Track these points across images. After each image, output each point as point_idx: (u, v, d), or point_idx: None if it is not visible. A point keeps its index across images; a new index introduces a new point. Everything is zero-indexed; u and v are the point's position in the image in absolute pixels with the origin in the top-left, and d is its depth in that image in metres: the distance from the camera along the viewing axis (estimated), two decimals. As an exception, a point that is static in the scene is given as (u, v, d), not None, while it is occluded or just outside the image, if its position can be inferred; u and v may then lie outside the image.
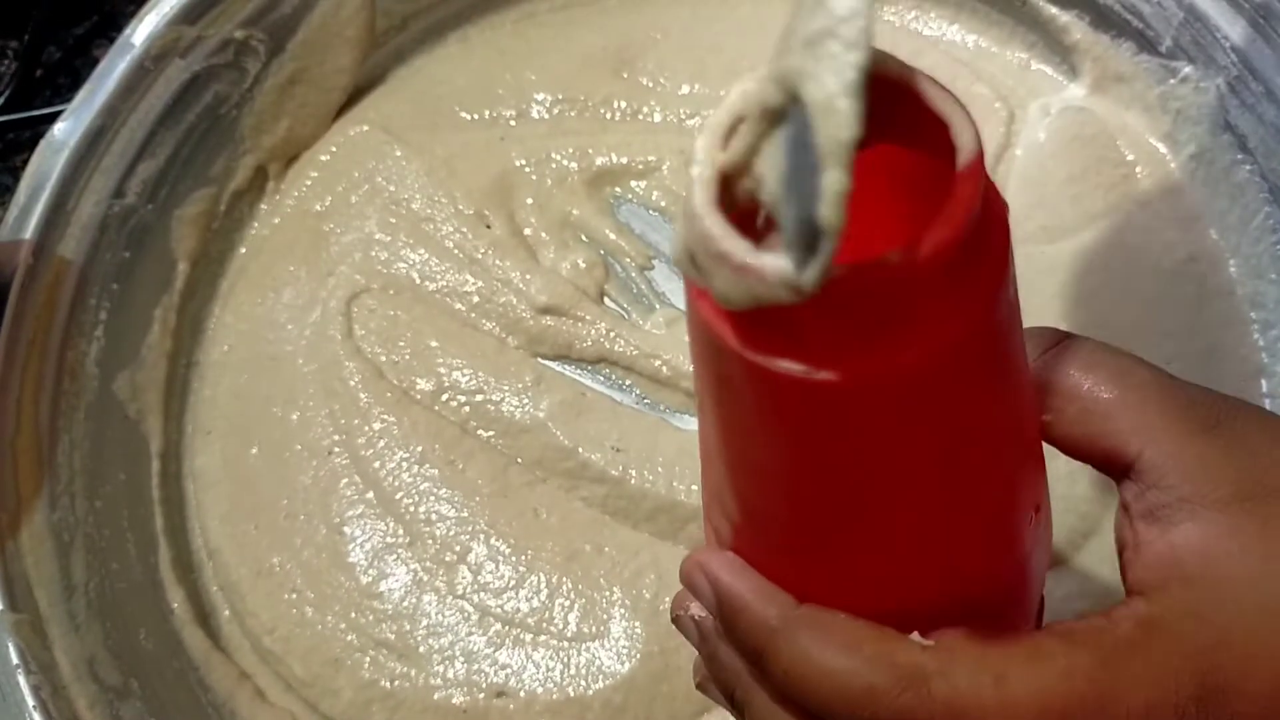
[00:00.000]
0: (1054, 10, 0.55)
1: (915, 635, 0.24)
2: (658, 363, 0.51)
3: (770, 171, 0.19)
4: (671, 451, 0.48)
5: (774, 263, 0.18)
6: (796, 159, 0.18)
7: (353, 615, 0.47)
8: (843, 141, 0.17)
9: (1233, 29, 0.49)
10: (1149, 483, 0.25)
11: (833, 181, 0.17)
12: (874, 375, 0.20)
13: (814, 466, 0.23)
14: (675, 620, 0.29)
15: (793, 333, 0.19)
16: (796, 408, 0.21)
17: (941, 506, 0.23)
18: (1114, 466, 0.26)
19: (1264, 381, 0.49)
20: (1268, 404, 0.48)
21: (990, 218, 0.20)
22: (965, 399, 0.22)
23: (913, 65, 0.20)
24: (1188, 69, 0.51)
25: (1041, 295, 0.50)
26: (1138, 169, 0.53)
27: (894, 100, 0.20)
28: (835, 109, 0.17)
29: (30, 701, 0.40)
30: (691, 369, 0.51)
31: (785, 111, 0.19)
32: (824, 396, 0.20)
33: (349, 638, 0.47)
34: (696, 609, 0.27)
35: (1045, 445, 0.26)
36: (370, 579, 0.48)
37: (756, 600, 0.25)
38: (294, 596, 0.48)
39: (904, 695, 0.23)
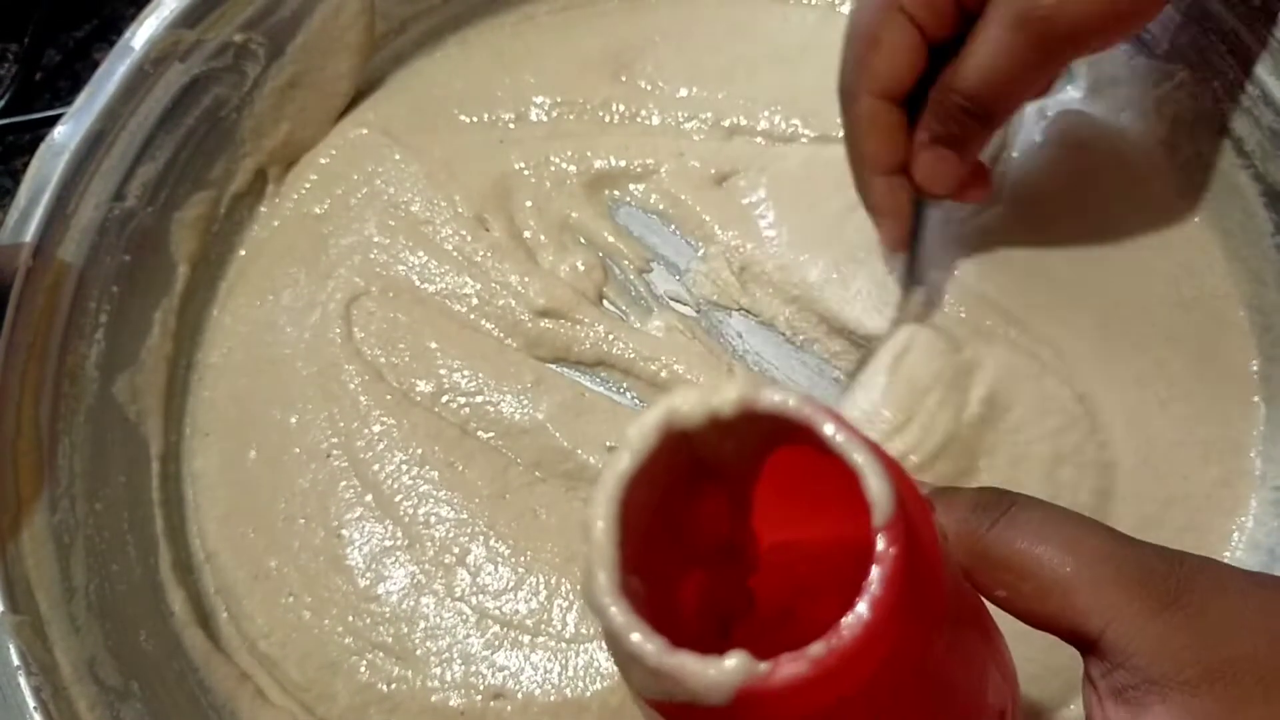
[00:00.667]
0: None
1: None
2: (656, 366, 0.51)
3: None
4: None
5: (692, 667, 0.18)
6: None
7: (350, 618, 0.47)
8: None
9: (1229, 32, 0.49)
10: (1114, 663, 0.24)
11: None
12: None
13: None
14: None
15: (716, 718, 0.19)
16: None
17: None
18: (1076, 641, 0.25)
19: (1260, 385, 0.49)
20: (1263, 409, 0.48)
21: (917, 563, 0.20)
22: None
23: (817, 404, 0.20)
24: (1184, 72, 0.51)
25: (1036, 299, 0.50)
26: (1134, 172, 0.53)
27: (803, 432, 0.20)
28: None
29: (31, 703, 0.40)
30: (689, 373, 0.51)
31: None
32: None
33: (346, 641, 0.47)
34: None
35: None
36: (368, 582, 0.48)
37: None
38: (291, 600, 0.48)
39: None
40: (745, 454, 0.22)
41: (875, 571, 0.18)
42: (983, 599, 0.26)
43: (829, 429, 0.20)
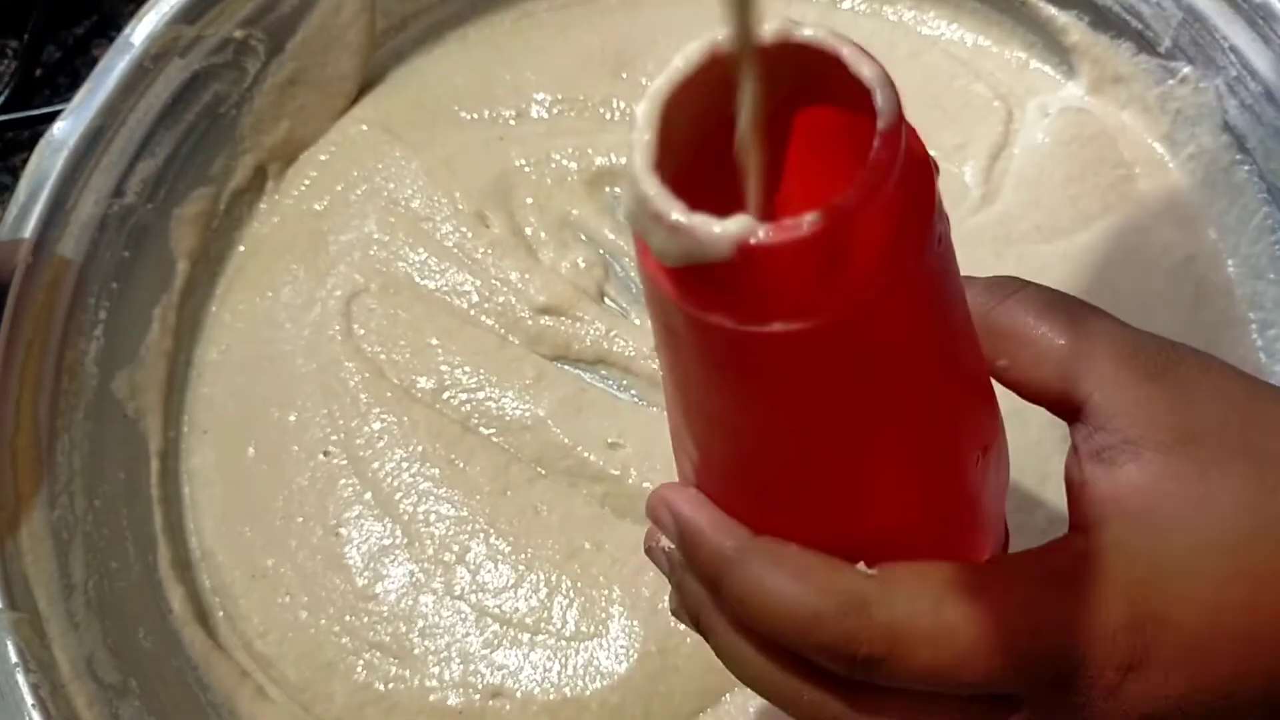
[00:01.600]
0: (1053, 10, 0.55)
1: (861, 565, 0.25)
2: (656, 364, 0.51)
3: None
4: (670, 446, 0.48)
5: (703, 223, 0.20)
6: None
7: (347, 618, 0.47)
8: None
9: (1232, 29, 0.49)
10: (1096, 425, 0.26)
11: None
12: (801, 329, 0.21)
13: (754, 412, 0.24)
14: (647, 551, 0.30)
15: (724, 287, 0.21)
16: (731, 358, 0.22)
17: (879, 448, 0.24)
18: (1065, 409, 0.27)
19: (1262, 382, 0.49)
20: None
21: (912, 175, 0.21)
22: (895, 349, 0.23)
23: (841, 36, 0.21)
24: (1187, 69, 0.51)
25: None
26: (1136, 169, 0.53)
27: (826, 68, 0.21)
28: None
29: (29, 700, 0.40)
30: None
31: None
32: (756, 347, 0.21)
33: (343, 640, 0.47)
34: (666, 541, 0.29)
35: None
36: (366, 581, 0.48)
37: (714, 532, 0.26)
38: (288, 600, 0.48)
39: (846, 620, 0.24)
40: (774, 99, 0.23)
41: (873, 160, 0.20)
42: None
43: (846, 50, 0.21)
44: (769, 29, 0.21)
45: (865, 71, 0.21)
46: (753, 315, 0.21)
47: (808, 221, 0.19)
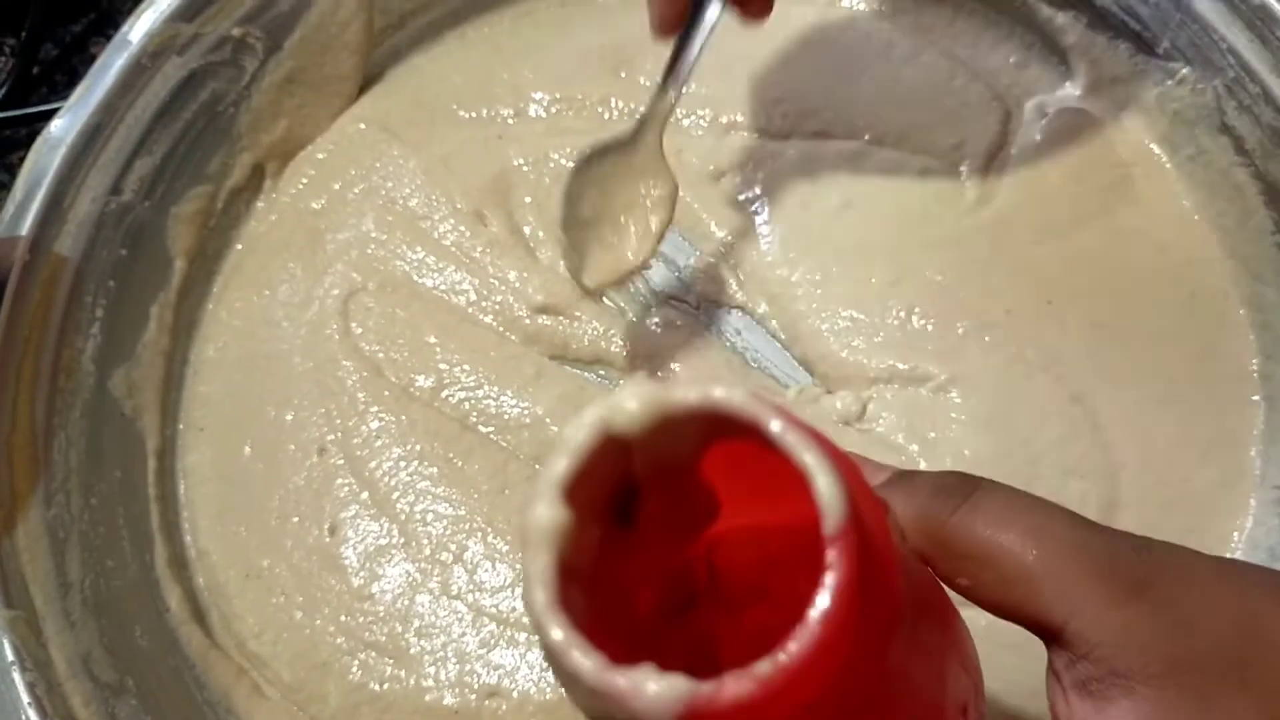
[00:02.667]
0: (1051, 11, 0.55)
1: None
2: (653, 364, 0.51)
3: None
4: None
5: (631, 687, 0.17)
6: None
7: (343, 618, 0.47)
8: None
9: (1230, 31, 0.49)
10: (1079, 654, 0.24)
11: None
12: None
13: None
14: None
15: None
16: None
17: None
18: (1040, 631, 0.25)
19: (1260, 384, 0.49)
20: (1263, 407, 0.48)
21: (872, 566, 0.19)
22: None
23: (762, 400, 0.19)
24: (1185, 70, 0.51)
25: (1032, 296, 0.50)
26: (1134, 170, 0.53)
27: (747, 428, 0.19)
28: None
29: (25, 698, 0.40)
30: (685, 371, 0.50)
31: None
32: None
33: (338, 641, 0.47)
34: None
35: None
36: (362, 581, 0.48)
37: None
38: (282, 600, 0.48)
39: None
40: (686, 452, 0.21)
41: (825, 583, 0.18)
42: (944, 588, 0.26)
43: (775, 426, 0.19)
44: (696, 396, 0.19)
45: (806, 459, 0.18)
46: None
47: (756, 675, 0.17)
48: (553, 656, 0.18)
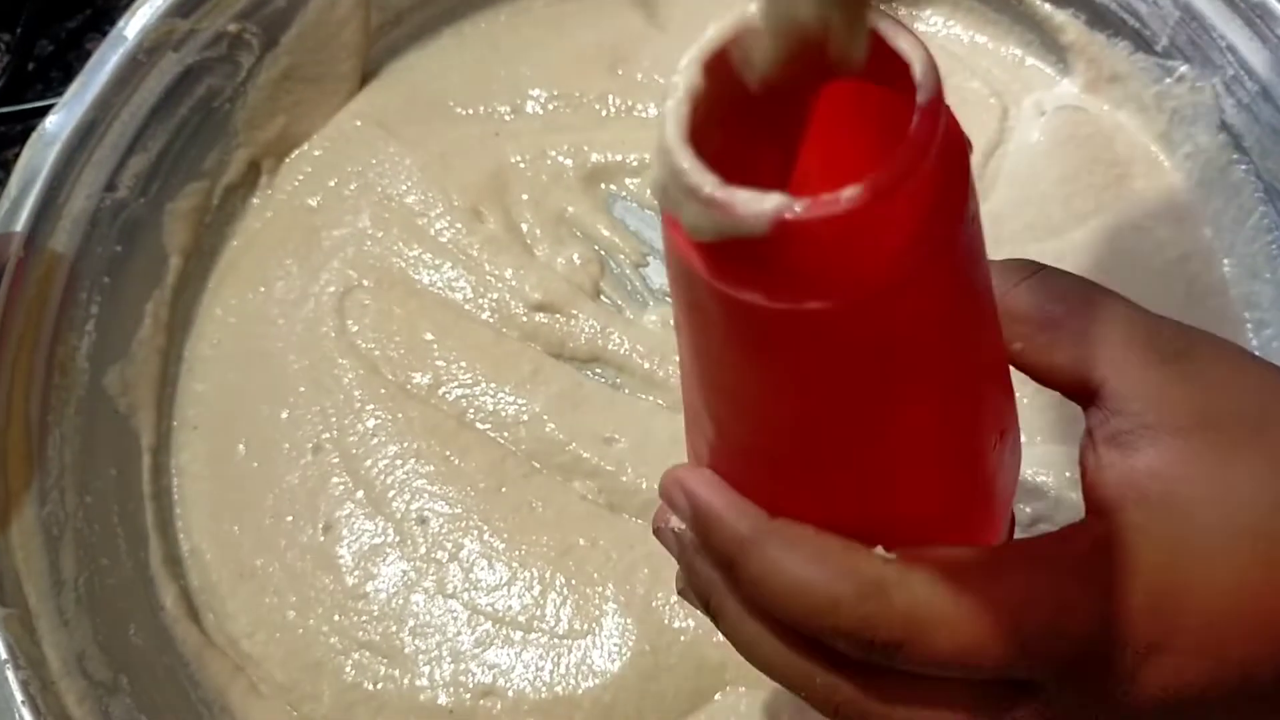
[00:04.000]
0: (1050, 8, 0.55)
1: (879, 549, 0.24)
2: (650, 363, 0.51)
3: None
4: (667, 441, 0.48)
5: (740, 197, 0.19)
6: None
7: (336, 618, 0.47)
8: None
9: (1229, 28, 0.49)
10: (1112, 409, 0.25)
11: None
12: (832, 307, 0.20)
13: (779, 391, 0.23)
14: (656, 532, 0.30)
15: (757, 263, 0.20)
16: (761, 336, 0.22)
17: (903, 430, 0.24)
18: (1081, 393, 0.27)
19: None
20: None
21: (949, 152, 0.21)
22: (925, 330, 0.22)
23: (875, 7, 0.21)
24: (1184, 68, 0.51)
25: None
26: (1132, 168, 0.53)
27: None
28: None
29: (19, 696, 0.40)
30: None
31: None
32: (787, 325, 0.21)
33: (332, 640, 0.46)
34: (676, 522, 0.28)
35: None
36: (356, 580, 0.47)
37: (729, 514, 0.26)
38: (275, 600, 0.48)
39: (865, 604, 0.24)
40: (791, 90, 0.23)
41: (911, 135, 0.19)
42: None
43: (883, 24, 0.21)
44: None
45: (903, 45, 0.20)
46: (787, 292, 0.20)
47: (846, 196, 0.19)
48: (675, 175, 0.20)
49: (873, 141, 0.23)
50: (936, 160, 0.20)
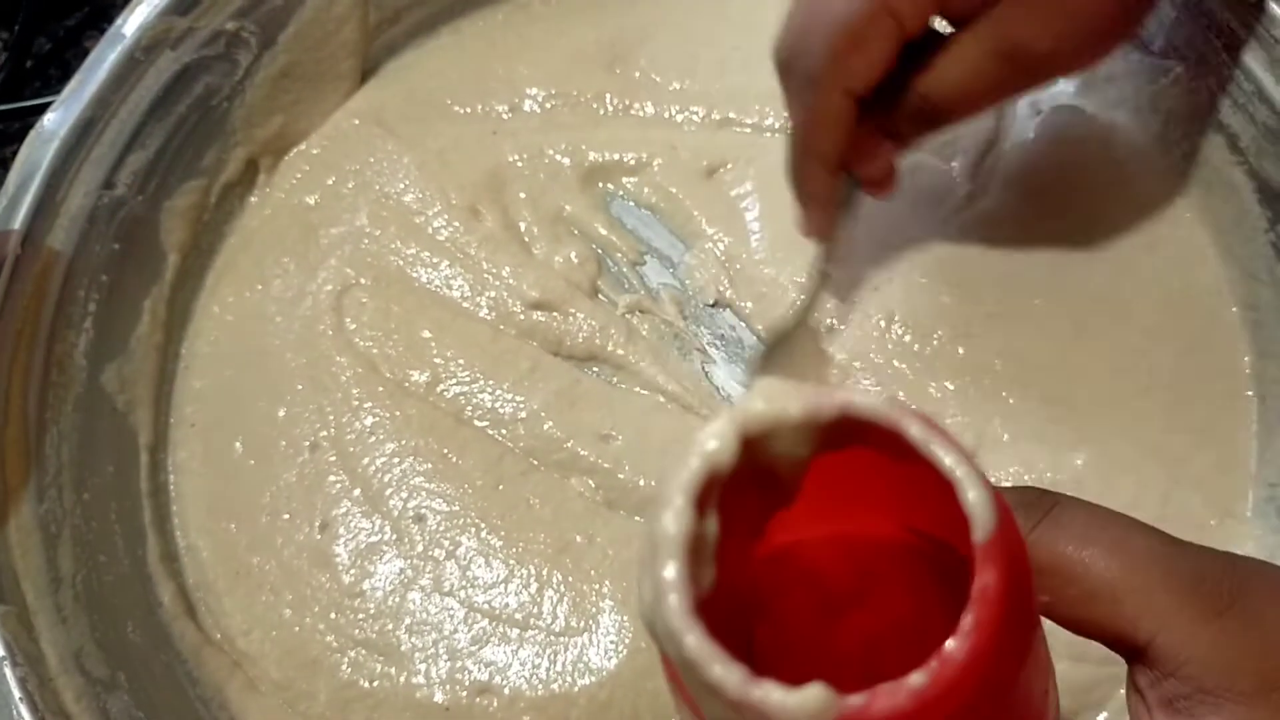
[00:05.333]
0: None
1: None
2: (645, 361, 0.51)
3: None
4: (664, 438, 0.48)
5: (778, 700, 0.16)
6: None
7: (332, 616, 0.47)
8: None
9: (1225, 28, 0.49)
10: (1165, 671, 0.23)
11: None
12: None
13: None
14: None
15: None
16: None
17: None
18: (1123, 649, 0.25)
19: (1253, 381, 0.49)
20: (1255, 405, 0.48)
21: (1016, 577, 0.18)
22: None
23: (901, 406, 0.19)
24: (1180, 69, 0.51)
25: (1018, 296, 0.50)
26: (1127, 168, 0.53)
27: (879, 432, 0.19)
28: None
29: (17, 693, 0.40)
30: (680, 369, 0.50)
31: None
32: None
33: (328, 639, 0.46)
34: None
35: None
36: (353, 578, 0.47)
37: None
38: (271, 598, 0.48)
39: None
40: (800, 457, 0.21)
41: (978, 592, 0.17)
42: None
43: (918, 432, 0.18)
44: (811, 402, 0.19)
45: (946, 462, 0.18)
46: None
47: (910, 688, 0.17)
48: (690, 668, 0.17)
49: (903, 505, 0.20)
50: (1007, 610, 0.17)
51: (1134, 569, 0.24)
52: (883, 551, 0.24)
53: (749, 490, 0.21)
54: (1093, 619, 0.24)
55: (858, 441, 0.19)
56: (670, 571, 0.18)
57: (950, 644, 0.17)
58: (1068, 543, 0.24)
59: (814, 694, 0.16)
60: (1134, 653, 0.24)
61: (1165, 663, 0.23)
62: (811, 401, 0.19)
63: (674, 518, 0.18)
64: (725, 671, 0.17)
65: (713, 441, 0.19)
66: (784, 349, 0.49)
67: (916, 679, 0.17)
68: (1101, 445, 0.47)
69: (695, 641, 0.17)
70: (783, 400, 0.19)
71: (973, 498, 0.17)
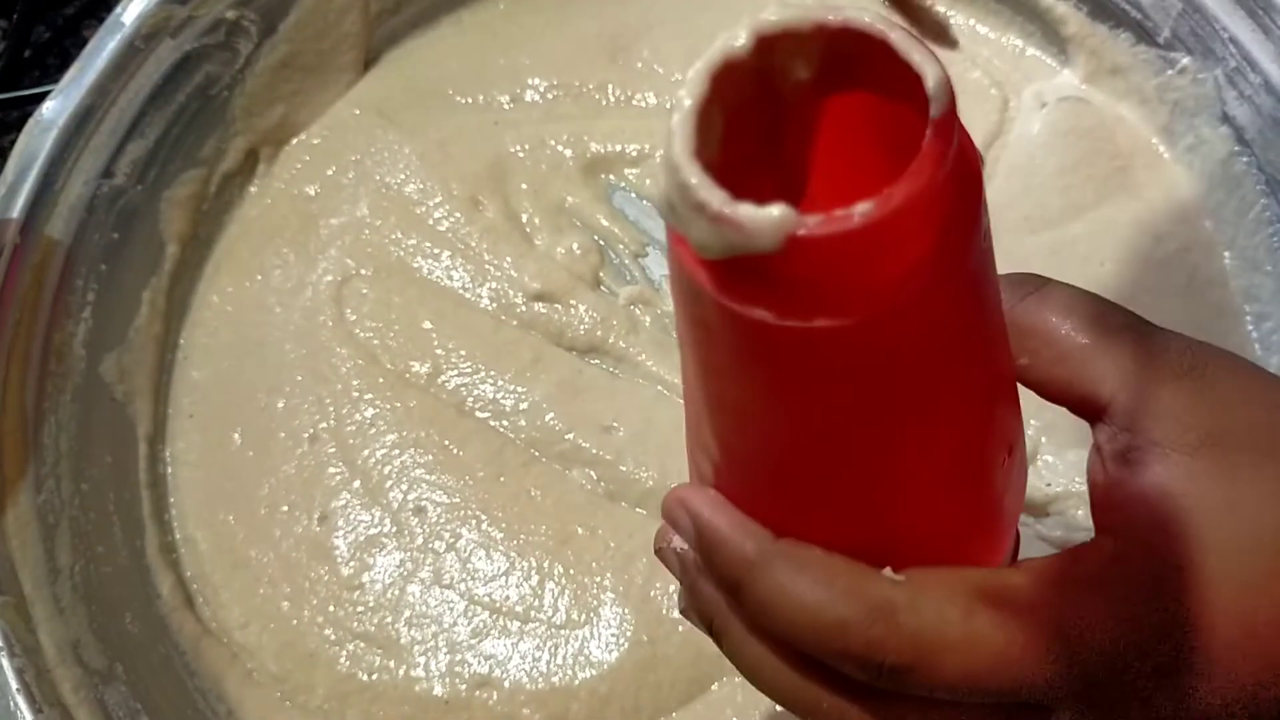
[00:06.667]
0: (1051, 0, 0.54)
1: (888, 570, 0.24)
2: (647, 355, 0.50)
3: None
4: (667, 430, 0.48)
5: (749, 213, 0.19)
6: None
7: (331, 608, 0.47)
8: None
9: (1231, 20, 0.49)
10: (1121, 425, 0.25)
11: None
12: (842, 325, 0.20)
13: (786, 409, 0.23)
14: (658, 552, 0.29)
15: (766, 280, 0.20)
16: (769, 353, 0.21)
17: (912, 449, 0.24)
18: (1088, 410, 0.26)
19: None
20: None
21: (963, 167, 0.21)
22: (935, 347, 0.22)
23: (888, 20, 0.21)
24: (1186, 60, 0.51)
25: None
26: (1133, 160, 0.53)
27: (872, 54, 0.21)
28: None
29: (14, 684, 0.40)
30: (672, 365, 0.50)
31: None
32: (797, 343, 0.21)
33: (326, 631, 0.46)
34: (678, 542, 0.28)
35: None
36: (352, 571, 0.47)
37: (734, 534, 0.25)
38: (269, 590, 0.47)
39: (874, 627, 0.23)
40: (803, 79, 0.23)
41: (926, 147, 0.19)
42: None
43: (895, 35, 0.20)
44: (809, 13, 0.21)
45: (915, 58, 0.20)
46: (797, 310, 0.20)
47: (859, 212, 0.19)
48: (682, 189, 0.19)
49: (885, 157, 0.22)
50: (950, 175, 0.20)
51: (1106, 335, 0.26)
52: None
53: (757, 131, 0.23)
54: (1065, 377, 0.26)
55: (852, 74, 0.22)
56: (683, 115, 0.20)
57: (894, 185, 0.19)
58: (1051, 312, 0.26)
59: (777, 210, 0.19)
60: (1097, 412, 0.26)
61: (1122, 417, 0.25)
62: (818, 15, 0.21)
63: (693, 79, 0.21)
64: (710, 192, 0.19)
65: (732, 37, 0.21)
66: None
67: (863, 205, 0.19)
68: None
69: (689, 168, 0.19)
70: (794, 13, 0.21)
71: (931, 79, 0.20)
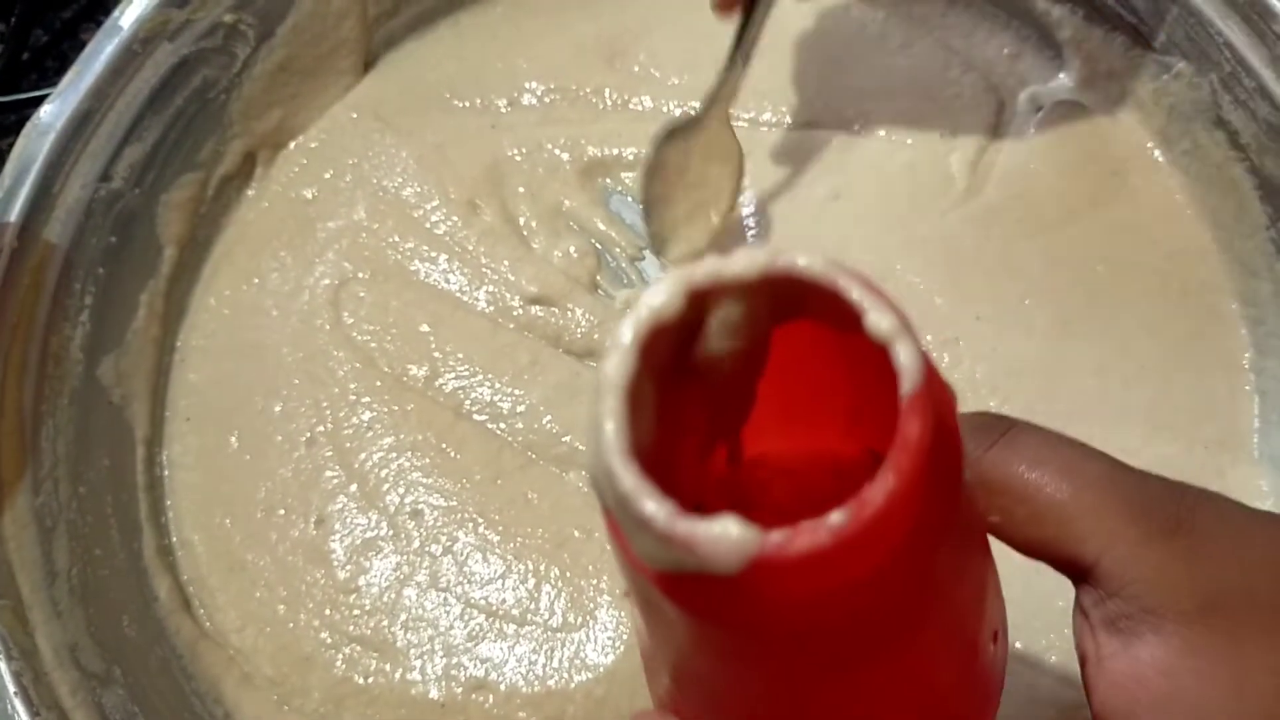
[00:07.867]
0: (1047, 3, 0.54)
1: None
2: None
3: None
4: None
5: (704, 534, 0.17)
6: None
7: (327, 612, 0.47)
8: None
9: (1226, 24, 0.49)
10: (1109, 591, 0.23)
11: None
12: (807, 628, 0.19)
13: (743, 688, 0.22)
14: None
15: (725, 593, 0.18)
16: (725, 649, 0.20)
17: (890, 708, 0.23)
18: (1070, 570, 0.25)
19: (1251, 376, 0.49)
20: (1256, 401, 0.48)
21: (941, 437, 0.18)
22: (913, 622, 0.21)
23: (847, 270, 0.19)
24: (1181, 64, 0.51)
25: (1009, 297, 0.50)
26: (1128, 164, 0.53)
27: (816, 295, 0.19)
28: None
29: (11, 688, 0.40)
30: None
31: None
32: (755, 644, 0.19)
33: (322, 635, 0.46)
34: None
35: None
36: (348, 574, 0.47)
37: None
38: (265, 594, 0.48)
39: None
40: (741, 346, 0.21)
41: (900, 440, 0.17)
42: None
43: (855, 292, 0.18)
44: (756, 260, 0.19)
45: (884, 326, 0.18)
46: (757, 621, 0.18)
47: (831, 526, 0.17)
48: (621, 501, 0.17)
49: (838, 376, 0.20)
50: (928, 459, 0.18)
51: (1084, 490, 0.24)
52: (823, 470, 0.24)
53: (696, 397, 0.21)
54: (1042, 538, 0.24)
55: (803, 314, 0.19)
56: (611, 407, 0.18)
57: (869, 487, 0.17)
58: (1020, 463, 0.24)
59: (735, 528, 0.16)
60: (1081, 573, 0.24)
61: (1110, 582, 0.23)
62: (755, 259, 0.19)
63: (618, 362, 0.18)
64: (655, 506, 0.17)
65: (658, 295, 0.18)
66: None
67: (836, 516, 0.17)
68: (1099, 442, 0.47)
69: (626, 475, 0.17)
70: (728, 259, 0.19)
71: (902, 354, 0.17)
